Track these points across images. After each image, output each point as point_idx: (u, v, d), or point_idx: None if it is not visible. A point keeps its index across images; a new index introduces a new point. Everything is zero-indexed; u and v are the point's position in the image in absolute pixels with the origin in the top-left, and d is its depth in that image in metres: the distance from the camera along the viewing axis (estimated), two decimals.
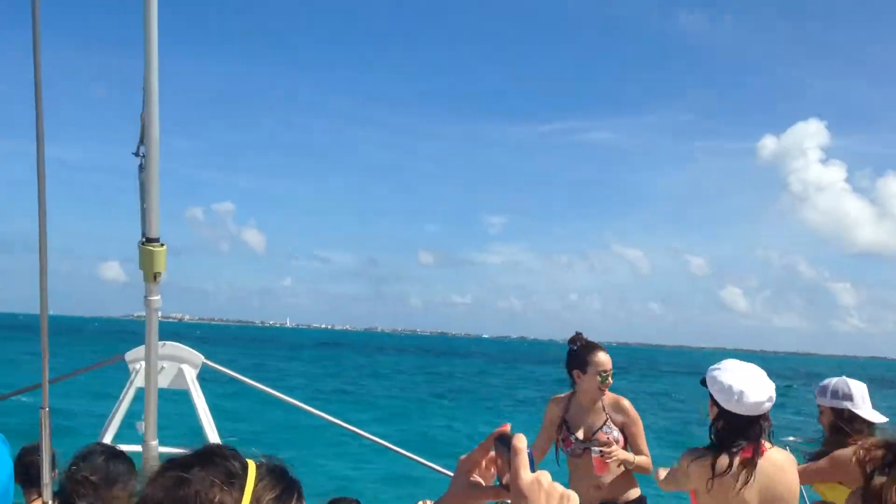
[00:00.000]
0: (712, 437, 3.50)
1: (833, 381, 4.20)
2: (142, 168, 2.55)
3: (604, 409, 4.68)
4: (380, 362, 71.87)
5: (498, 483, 1.33)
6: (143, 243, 2.70)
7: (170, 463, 1.26)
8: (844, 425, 4.07)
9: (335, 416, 4.62)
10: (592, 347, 4.68)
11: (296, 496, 1.27)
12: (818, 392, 4.23)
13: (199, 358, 4.13)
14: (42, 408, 2.35)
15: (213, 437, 3.98)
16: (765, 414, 3.42)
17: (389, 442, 4.83)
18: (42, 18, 2.17)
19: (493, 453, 1.34)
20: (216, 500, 1.19)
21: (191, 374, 4.07)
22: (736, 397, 3.35)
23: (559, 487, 1.22)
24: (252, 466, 1.25)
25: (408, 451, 4.80)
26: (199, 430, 4.04)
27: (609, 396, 4.69)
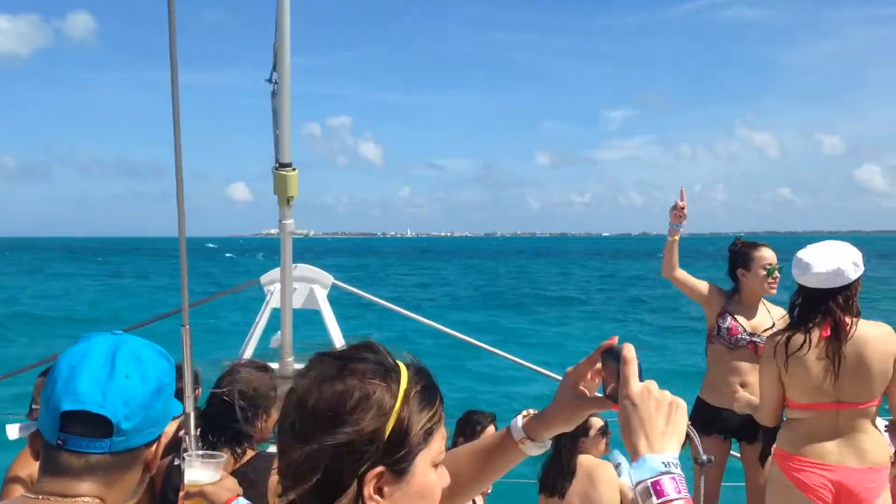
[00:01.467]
0: (793, 315, 3.44)
1: None
2: (274, 94, 2.59)
3: (769, 314, 4.40)
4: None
5: (602, 394, 1.37)
6: (276, 168, 2.77)
7: (324, 355, 1.21)
8: None
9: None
10: (754, 244, 4.47)
11: (439, 398, 1.24)
12: None
13: (329, 279, 4.24)
14: (183, 325, 2.34)
15: None
16: (846, 286, 3.28)
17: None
18: None
19: (598, 365, 1.37)
20: (375, 394, 1.15)
21: (321, 294, 4.19)
22: (805, 269, 3.30)
23: (668, 395, 1.21)
24: (402, 365, 1.22)
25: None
26: (330, 348, 4.22)
27: (777, 312, 4.39)
